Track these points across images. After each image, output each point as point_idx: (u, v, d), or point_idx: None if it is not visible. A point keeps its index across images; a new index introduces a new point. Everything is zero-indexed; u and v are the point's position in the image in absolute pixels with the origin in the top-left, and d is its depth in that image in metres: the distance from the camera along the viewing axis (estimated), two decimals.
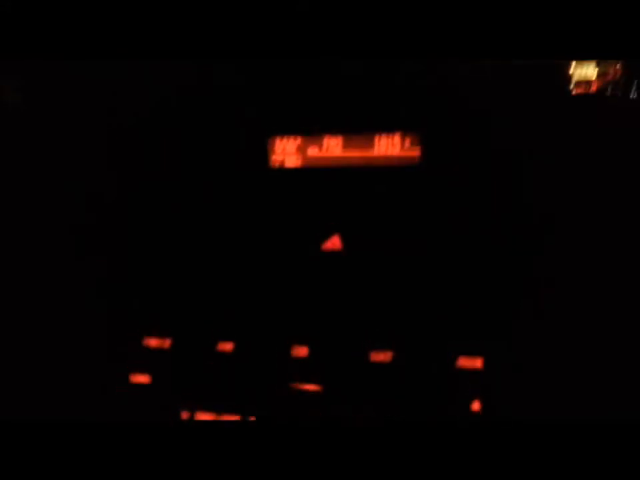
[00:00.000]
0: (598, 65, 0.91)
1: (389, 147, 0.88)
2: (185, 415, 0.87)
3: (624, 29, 0.75)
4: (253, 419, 0.86)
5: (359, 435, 0.77)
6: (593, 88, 0.90)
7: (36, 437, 0.83)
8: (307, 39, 0.82)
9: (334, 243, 0.89)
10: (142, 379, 0.89)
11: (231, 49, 0.83)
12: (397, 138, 0.88)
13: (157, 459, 0.80)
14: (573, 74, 0.91)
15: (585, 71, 0.91)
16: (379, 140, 0.88)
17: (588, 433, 0.72)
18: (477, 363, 0.80)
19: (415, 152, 0.87)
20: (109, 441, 0.83)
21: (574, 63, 0.90)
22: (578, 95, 0.88)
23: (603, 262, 0.80)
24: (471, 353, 0.80)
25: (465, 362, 0.80)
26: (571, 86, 0.89)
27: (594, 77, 0.91)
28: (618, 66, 0.90)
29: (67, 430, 0.84)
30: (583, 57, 0.84)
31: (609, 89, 0.90)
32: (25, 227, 0.94)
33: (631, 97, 0.88)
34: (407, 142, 0.87)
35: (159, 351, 0.90)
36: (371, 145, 0.88)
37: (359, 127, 0.88)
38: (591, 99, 0.88)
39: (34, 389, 0.89)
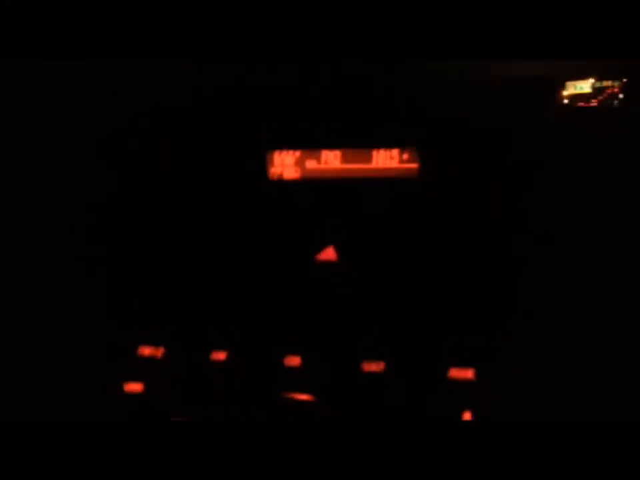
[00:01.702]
0: (595, 79, 0.91)
1: (387, 159, 0.89)
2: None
3: (624, 29, 0.76)
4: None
5: (350, 440, 0.76)
6: (593, 102, 0.90)
7: (27, 439, 0.82)
8: (306, 39, 0.83)
9: (329, 254, 0.89)
10: (135, 387, 0.89)
11: (230, 49, 0.84)
12: (395, 152, 0.88)
13: (146, 460, 0.79)
14: (570, 88, 0.91)
15: (582, 85, 0.91)
16: (377, 153, 0.89)
17: (579, 441, 0.71)
18: (469, 373, 0.79)
19: (414, 165, 0.87)
20: (101, 443, 0.81)
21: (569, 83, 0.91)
22: (577, 108, 0.88)
23: (597, 276, 0.80)
24: (462, 364, 0.80)
25: (456, 373, 0.80)
26: (567, 100, 0.90)
27: (591, 90, 0.91)
28: (616, 82, 0.91)
29: (59, 432, 0.83)
30: (583, 57, 0.84)
31: (608, 103, 0.90)
32: (23, 229, 0.94)
33: (629, 110, 0.88)
34: (405, 156, 0.88)
35: (152, 360, 0.90)
36: (369, 158, 0.89)
37: (357, 142, 0.89)
38: (590, 112, 0.88)
39: (27, 393, 0.88)
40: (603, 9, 0.76)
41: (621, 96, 0.88)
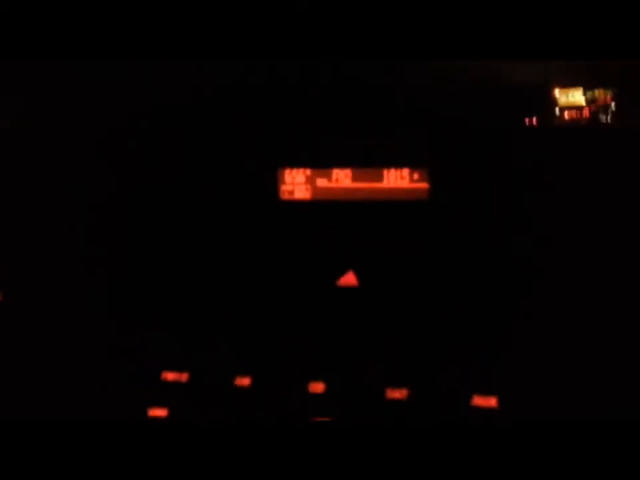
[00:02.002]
0: (586, 91, 0.93)
1: (398, 179, 0.90)
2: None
3: (624, 29, 0.76)
4: None
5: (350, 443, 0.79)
6: (585, 114, 0.92)
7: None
8: (306, 39, 0.83)
9: (349, 279, 0.91)
10: (160, 412, 0.90)
11: (230, 49, 0.84)
12: (405, 171, 0.89)
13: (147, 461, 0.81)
14: (562, 97, 0.93)
15: (573, 93, 0.93)
16: (388, 173, 0.90)
17: (579, 441, 0.74)
18: (492, 401, 0.81)
19: (424, 185, 0.89)
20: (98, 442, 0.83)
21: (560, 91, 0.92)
22: (571, 122, 0.90)
23: (600, 279, 0.83)
24: (485, 392, 0.81)
25: (479, 400, 0.82)
26: (559, 112, 0.91)
27: (583, 103, 0.93)
28: (607, 93, 0.92)
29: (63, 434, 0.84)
30: (582, 57, 0.84)
31: (600, 115, 0.92)
32: (23, 229, 0.95)
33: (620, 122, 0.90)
34: (416, 176, 0.89)
35: (176, 384, 0.91)
36: (379, 177, 0.90)
37: (367, 161, 0.90)
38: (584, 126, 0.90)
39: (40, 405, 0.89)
40: (603, 8, 0.76)
41: (613, 105, 0.90)
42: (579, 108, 0.93)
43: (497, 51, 0.81)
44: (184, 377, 0.91)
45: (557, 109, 0.93)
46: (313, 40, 0.83)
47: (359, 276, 0.90)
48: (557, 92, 0.93)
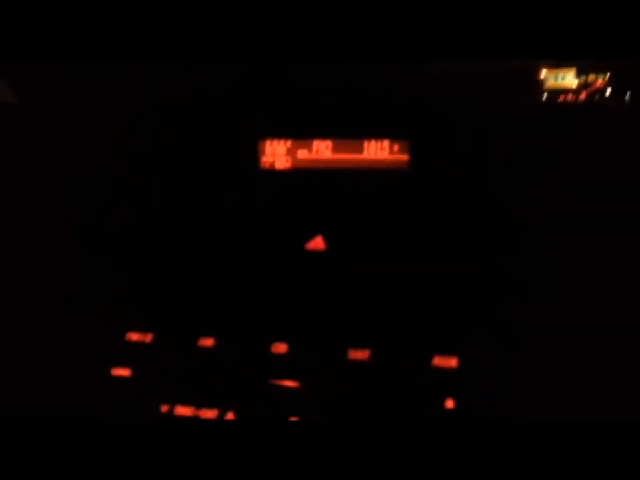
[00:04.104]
0: (578, 73, 0.91)
1: (378, 151, 0.89)
2: (164, 409, 0.87)
3: (624, 29, 0.76)
4: (231, 415, 0.86)
5: (335, 432, 0.77)
6: (581, 96, 0.90)
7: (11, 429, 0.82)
8: (307, 39, 0.83)
9: (317, 243, 0.90)
10: (123, 372, 0.89)
11: (230, 50, 0.84)
12: (385, 143, 0.89)
13: (135, 457, 0.80)
14: (550, 78, 0.91)
15: (563, 75, 0.91)
16: (368, 144, 0.89)
17: (564, 432, 0.73)
18: (452, 362, 0.81)
19: (404, 156, 0.88)
20: (87, 438, 0.82)
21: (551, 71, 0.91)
22: (563, 103, 0.89)
23: (580, 263, 0.82)
24: (446, 352, 0.81)
25: (440, 361, 0.81)
26: (547, 94, 0.90)
27: (574, 86, 0.91)
28: (602, 75, 0.90)
29: (44, 425, 0.83)
30: (582, 57, 0.84)
31: (595, 98, 0.90)
32: (9, 215, 0.95)
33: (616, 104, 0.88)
34: (396, 147, 0.89)
35: (140, 345, 0.90)
36: (360, 149, 0.89)
37: (348, 133, 0.90)
38: (577, 107, 0.88)
39: (12, 380, 0.89)
40: (602, 8, 0.76)
41: (609, 91, 0.88)
42: (570, 91, 0.91)
43: (496, 51, 0.81)
44: (148, 337, 0.90)
45: (545, 91, 0.92)
46: (314, 40, 0.84)
47: (328, 241, 0.89)
48: (544, 72, 0.91)
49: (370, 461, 0.77)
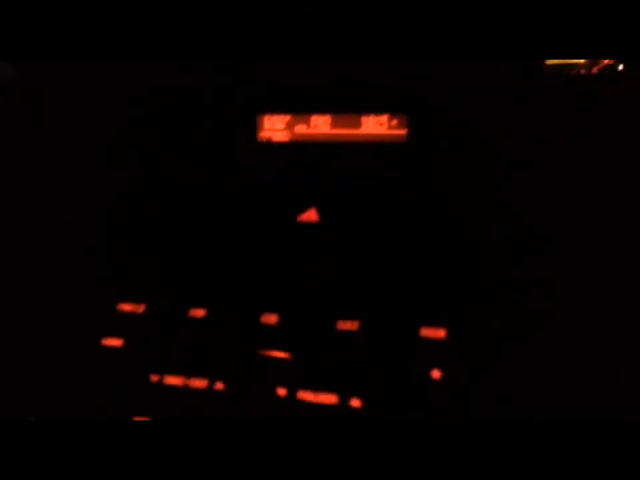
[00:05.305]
0: None
1: (377, 125, 0.88)
2: (154, 378, 0.87)
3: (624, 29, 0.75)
4: (220, 385, 0.85)
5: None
6: (594, 70, 0.88)
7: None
8: (309, 40, 0.84)
9: (310, 215, 0.89)
10: (114, 342, 0.89)
11: (231, 50, 0.85)
12: (384, 118, 0.88)
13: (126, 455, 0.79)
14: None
15: None
16: (367, 119, 0.88)
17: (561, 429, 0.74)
18: (440, 333, 0.81)
19: (402, 131, 0.87)
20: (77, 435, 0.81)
21: None
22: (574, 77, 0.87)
23: (568, 245, 0.82)
24: (435, 324, 0.81)
25: (428, 332, 0.81)
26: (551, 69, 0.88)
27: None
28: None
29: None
30: (582, 57, 0.85)
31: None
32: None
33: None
34: (394, 122, 0.88)
35: (132, 315, 0.90)
36: (358, 123, 0.89)
37: (346, 108, 0.89)
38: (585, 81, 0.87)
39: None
40: (602, 9, 0.76)
41: (620, 68, 0.87)
42: (577, 68, 0.89)
43: (496, 51, 0.81)
44: (140, 308, 0.90)
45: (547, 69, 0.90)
46: (316, 41, 0.84)
47: (322, 214, 0.88)
48: None
49: (370, 461, 0.76)
